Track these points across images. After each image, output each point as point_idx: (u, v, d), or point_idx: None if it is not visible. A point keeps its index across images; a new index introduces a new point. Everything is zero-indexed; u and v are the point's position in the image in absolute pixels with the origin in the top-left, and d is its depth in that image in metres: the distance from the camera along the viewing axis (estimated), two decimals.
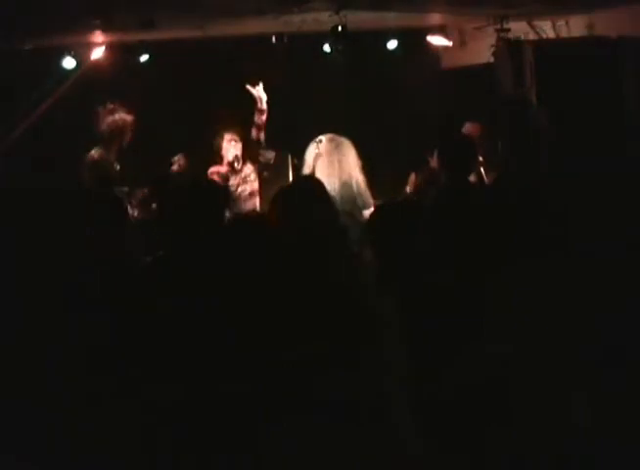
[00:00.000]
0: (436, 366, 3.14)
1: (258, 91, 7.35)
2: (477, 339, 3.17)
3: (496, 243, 3.63)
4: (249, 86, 7.39)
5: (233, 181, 7.30)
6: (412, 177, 7.94)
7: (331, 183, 6.06)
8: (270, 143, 8.53)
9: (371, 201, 6.18)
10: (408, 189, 7.67)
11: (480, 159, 6.96)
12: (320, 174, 6.10)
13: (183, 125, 8.65)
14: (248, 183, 7.37)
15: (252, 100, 7.35)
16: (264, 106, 7.32)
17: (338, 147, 6.22)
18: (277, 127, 8.67)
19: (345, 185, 6.12)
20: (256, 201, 7.43)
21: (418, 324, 3.14)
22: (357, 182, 6.18)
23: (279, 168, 8.85)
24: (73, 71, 8.31)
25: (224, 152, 7.35)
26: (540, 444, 3.15)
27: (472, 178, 5.47)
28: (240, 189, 7.34)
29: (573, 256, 3.56)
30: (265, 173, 8.63)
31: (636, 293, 3.50)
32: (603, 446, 3.17)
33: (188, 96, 8.92)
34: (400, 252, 3.36)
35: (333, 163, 6.15)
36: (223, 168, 7.32)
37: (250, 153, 7.38)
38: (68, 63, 8.21)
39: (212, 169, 7.34)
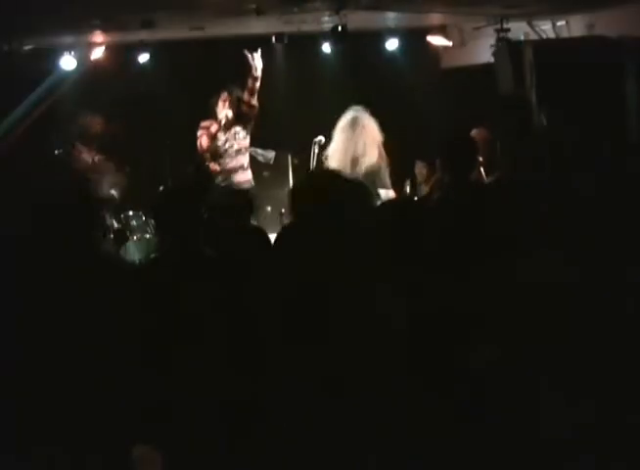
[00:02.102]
0: (438, 367, 3.14)
1: (255, 59, 7.61)
2: (479, 337, 3.18)
3: (497, 242, 3.63)
4: (246, 52, 7.61)
5: (222, 137, 7.64)
6: (418, 167, 8.00)
7: (343, 160, 6.34)
8: (270, 143, 8.56)
9: (387, 181, 6.40)
10: (418, 179, 7.79)
11: (480, 159, 6.96)
12: (336, 150, 6.38)
13: (183, 125, 8.65)
14: (236, 140, 7.69)
15: (248, 66, 7.58)
16: (258, 73, 7.59)
17: (355, 125, 6.48)
18: (277, 127, 8.69)
19: (357, 163, 6.38)
20: (245, 158, 7.78)
21: (420, 323, 3.15)
22: (371, 162, 6.44)
23: (279, 168, 8.88)
24: (73, 72, 8.31)
25: (218, 110, 7.68)
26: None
27: (472, 178, 5.47)
28: (227, 145, 7.67)
29: (573, 255, 3.56)
30: (265, 173, 8.68)
31: (633, 294, 3.50)
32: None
33: (188, 96, 8.92)
34: (402, 252, 3.36)
35: (350, 140, 6.41)
36: (214, 127, 7.62)
37: (240, 114, 7.67)
38: (68, 63, 8.21)
39: (204, 124, 7.68)
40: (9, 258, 3.62)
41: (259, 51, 7.63)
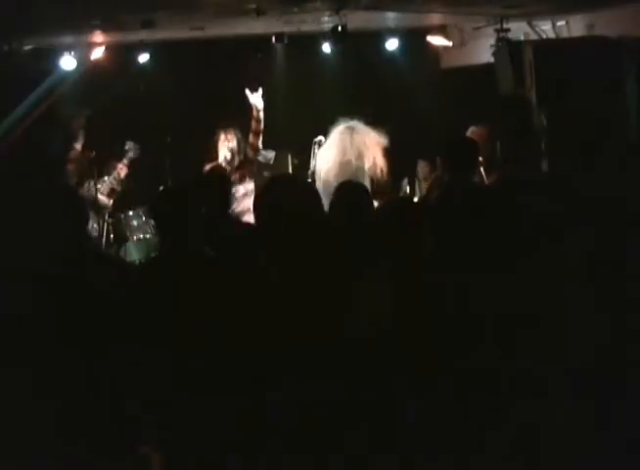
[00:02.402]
0: (438, 368, 3.14)
1: (256, 99, 7.40)
2: (478, 339, 3.18)
3: (497, 243, 3.62)
4: (247, 92, 7.43)
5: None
6: (421, 166, 7.99)
7: (333, 158, 6.28)
8: (270, 143, 8.56)
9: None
10: (420, 177, 7.77)
11: (480, 159, 6.96)
12: (326, 149, 6.32)
13: (183, 125, 8.66)
14: (242, 184, 7.43)
15: (249, 106, 7.39)
16: (260, 115, 7.38)
17: (352, 130, 6.40)
18: (277, 127, 8.68)
19: (347, 164, 6.31)
20: (250, 201, 7.44)
21: (420, 324, 3.15)
22: (362, 165, 6.35)
23: (279, 168, 8.88)
24: (73, 71, 8.31)
25: (219, 152, 7.46)
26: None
27: (472, 178, 5.47)
28: (234, 189, 7.25)
29: (573, 255, 3.56)
30: (265, 173, 8.67)
31: (633, 293, 3.51)
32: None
33: (188, 96, 8.93)
34: (402, 251, 3.36)
35: (344, 141, 6.34)
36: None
37: (245, 157, 7.46)
38: (68, 63, 8.21)
39: (208, 168, 7.39)
40: (5, 260, 3.63)
41: (260, 90, 7.40)
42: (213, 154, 7.47)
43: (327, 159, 6.53)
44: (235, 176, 7.40)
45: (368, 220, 4.04)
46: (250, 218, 7.36)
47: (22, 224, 3.75)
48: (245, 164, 7.49)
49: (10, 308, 3.50)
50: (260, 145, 7.43)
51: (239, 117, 7.59)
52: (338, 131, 6.58)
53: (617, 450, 3.21)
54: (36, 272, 3.53)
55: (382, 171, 6.49)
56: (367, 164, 6.44)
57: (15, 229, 3.81)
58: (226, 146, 7.43)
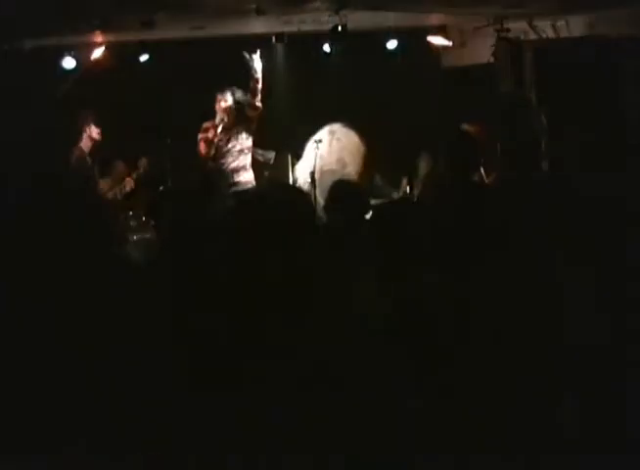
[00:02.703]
0: (437, 369, 3.14)
1: (254, 60, 7.55)
2: (478, 339, 3.18)
3: (497, 242, 3.63)
4: (245, 54, 7.56)
5: (223, 137, 7.63)
6: (422, 165, 7.98)
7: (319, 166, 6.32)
8: (270, 143, 8.57)
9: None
10: (422, 171, 7.78)
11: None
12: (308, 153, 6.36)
13: (183, 125, 8.66)
14: (238, 141, 7.67)
15: (248, 68, 7.54)
16: (259, 74, 7.53)
17: (333, 135, 6.46)
18: (277, 127, 8.69)
19: (331, 172, 6.34)
20: (247, 158, 7.76)
21: (419, 324, 3.15)
22: (346, 170, 6.40)
23: (279, 168, 8.90)
24: (73, 71, 8.32)
25: (217, 115, 7.68)
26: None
27: (473, 178, 5.47)
28: (230, 145, 7.66)
29: (573, 255, 3.57)
30: (265, 173, 8.69)
31: (632, 293, 3.51)
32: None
33: (187, 96, 8.93)
34: (401, 251, 3.37)
35: (323, 146, 6.38)
36: (211, 133, 7.63)
37: (244, 116, 7.64)
38: (68, 63, 8.22)
39: (205, 126, 7.69)
40: (15, 259, 3.63)
41: (258, 52, 7.58)
42: (212, 116, 7.66)
43: (308, 163, 6.60)
44: (231, 132, 7.60)
45: (365, 219, 4.05)
46: (242, 177, 7.56)
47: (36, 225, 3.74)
48: (241, 122, 7.62)
49: (13, 306, 3.50)
50: (259, 104, 7.55)
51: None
52: (321, 135, 6.65)
53: (617, 450, 3.21)
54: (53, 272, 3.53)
55: (360, 175, 6.53)
56: (346, 169, 6.50)
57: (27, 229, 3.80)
58: (222, 108, 7.61)
